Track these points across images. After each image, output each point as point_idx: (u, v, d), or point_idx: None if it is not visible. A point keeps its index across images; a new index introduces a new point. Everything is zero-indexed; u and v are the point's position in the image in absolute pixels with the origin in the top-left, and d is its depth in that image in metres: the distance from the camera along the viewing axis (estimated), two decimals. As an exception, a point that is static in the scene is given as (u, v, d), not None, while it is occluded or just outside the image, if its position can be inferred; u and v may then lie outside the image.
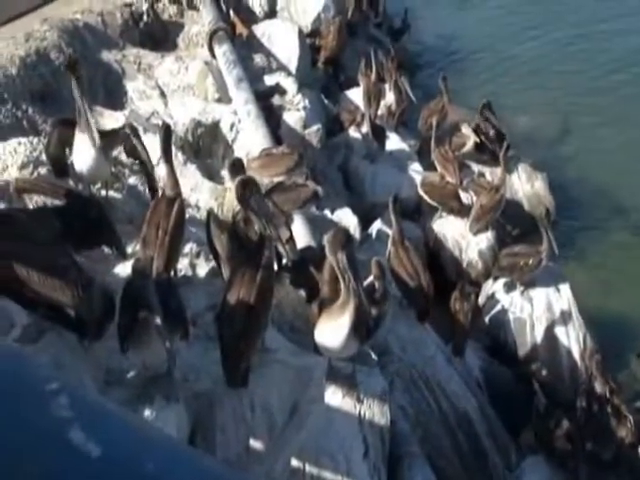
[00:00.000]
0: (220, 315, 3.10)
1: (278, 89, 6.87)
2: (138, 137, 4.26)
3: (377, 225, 6.14)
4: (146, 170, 4.41)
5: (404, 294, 4.69)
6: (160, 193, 3.97)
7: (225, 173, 5.88)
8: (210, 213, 3.82)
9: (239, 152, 6.11)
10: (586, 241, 7.16)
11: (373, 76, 7.92)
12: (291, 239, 3.87)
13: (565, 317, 5.54)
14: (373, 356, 3.95)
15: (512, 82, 10.47)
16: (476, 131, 7.25)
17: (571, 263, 6.56)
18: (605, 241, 7.16)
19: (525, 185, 7.24)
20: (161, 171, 4.24)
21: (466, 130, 7.25)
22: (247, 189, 3.21)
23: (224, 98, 6.58)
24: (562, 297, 5.63)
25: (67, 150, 4.16)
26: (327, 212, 5.89)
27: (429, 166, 7.06)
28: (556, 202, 7.24)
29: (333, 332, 3.06)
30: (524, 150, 7.90)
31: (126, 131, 4.25)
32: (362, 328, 3.15)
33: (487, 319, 5.81)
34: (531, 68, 10.80)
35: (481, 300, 5.89)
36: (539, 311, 5.59)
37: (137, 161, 4.49)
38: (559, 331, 5.50)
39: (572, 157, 8.54)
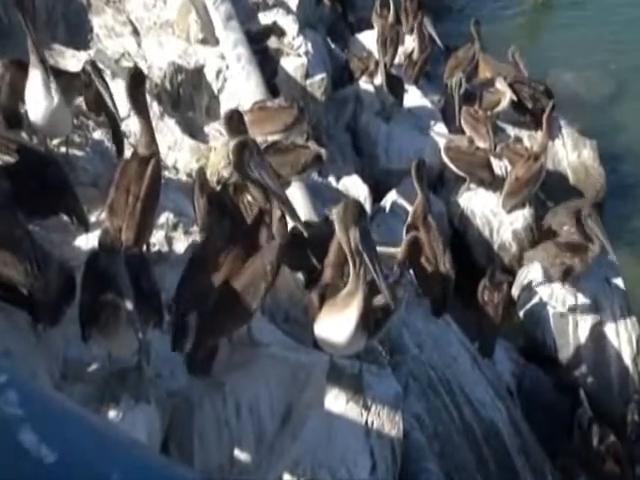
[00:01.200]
0: (187, 294, 3.11)
1: (275, 29, 6.81)
2: (101, 78, 4.20)
3: (392, 197, 6.13)
4: (112, 121, 4.36)
5: (418, 281, 4.68)
6: (132, 151, 3.94)
7: (209, 129, 5.86)
8: (199, 172, 3.80)
9: (226, 104, 6.06)
10: (642, 223, 7.14)
11: (390, 17, 7.86)
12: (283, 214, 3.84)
13: (615, 313, 5.55)
14: (384, 354, 3.95)
15: (557, 30, 10.38)
16: (513, 87, 7.18)
17: (623, 250, 6.53)
18: (665, 224, 7.14)
19: (570, 154, 7.22)
20: (133, 125, 4.21)
21: (501, 85, 7.19)
22: (246, 154, 3.19)
23: (209, 39, 6.51)
24: (612, 290, 5.63)
25: (21, 98, 4.12)
26: (331, 179, 5.88)
27: (456, 128, 7.02)
28: (607, 175, 7.21)
29: (337, 326, 3.05)
30: (570, 112, 7.84)
31: (87, 68, 4.18)
32: (372, 319, 3.14)
33: (522, 314, 5.82)
34: (581, 13, 10.71)
35: (515, 291, 5.88)
36: (584, 306, 5.59)
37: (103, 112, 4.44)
38: (608, 330, 5.51)
39: (627, 122, 8.49)
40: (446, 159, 6.59)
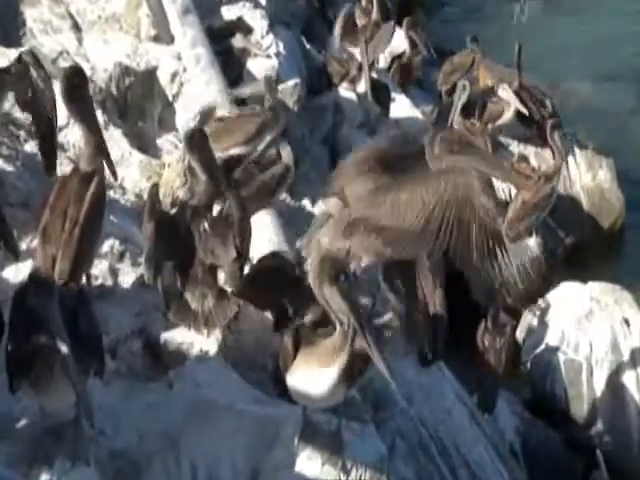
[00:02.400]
0: None
1: (241, 26, 6.86)
2: (42, 69, 4.14)
3: None
4: (45, 126, 4.30)
5: (404, 323, 4.67)
6: (72, 166, 3.94)
7: (163, 142, 5.87)
8: (151, 191, 3.81)
9: (183, 113, 6.09)
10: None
11: (375, 13, 7.93)
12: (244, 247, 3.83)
13: (636, 360, 5.58)
14: (367, 409, 3.96)
15: (572, 32, 10.57)
16: (519, 96, 7.25)
17: None
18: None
19: (584, 175, 7.30)
20: (72, 135, 4.21)
21: (505, 93, 7.25)
22: None
23: (163, 36, 6.55)
24: (633, 332, 5.67)
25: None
26: (306, 202, 5.88)
27: (451, 143, 7.09)
28: (626, 200, 7.29)
29: (316, 380, 3.07)
30: (584, 127, 7.94)
31: (24, 58, 4.13)
32: (356, 367, 3.17)
33: (528, 361, 5.83)
34: (601, 14, 10.91)
35: (520, 334, 5.90)
36: (600, 352, 5.62)
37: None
38: (628, 380, 5.53)
39: None
40: (440, 179, 6.63)
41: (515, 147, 7.37)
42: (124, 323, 3.80)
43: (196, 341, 3.83)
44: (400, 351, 4.55)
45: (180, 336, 3.83)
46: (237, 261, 3.82)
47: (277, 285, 4.02)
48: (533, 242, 6.50)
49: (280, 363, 3.23)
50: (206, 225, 3.76)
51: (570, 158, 7.21)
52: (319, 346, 3.09)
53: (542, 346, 5.80)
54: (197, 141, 3.89)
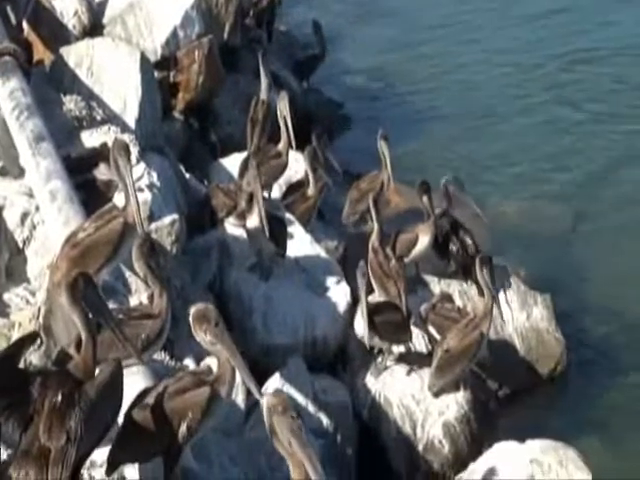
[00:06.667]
0: None
1: (105, 154, 6.87)
2: None
3: (274, 384, 6.15)
4: None
5: None
6: None
7: (11, 297, 5.82)
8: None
9: (36, 261, 6.13)
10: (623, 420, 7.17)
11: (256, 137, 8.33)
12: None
13: None
14: None
15: (491, 137, 11.15)
16: (436, 223, 7.48)
17: (588, 438, 6.72)
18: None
19: (517, 314, 7.49)
20: None
21: (421, 224, 7.52)
22: None
23: (10, 168, 6.70)
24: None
25: None
26: (189, 362, 5.88)
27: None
28: (567, 341, 7.45)
29: None
30: (514, 256, 8.35)
31: None
32: None
33: None
34: (521, 113, 11.61)
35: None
36: None
37: None
38: None
39: (590, 267, 8.89)
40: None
41: (436, 284, 7.58)
42: None
43: None
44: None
45: None
46: (65, 448, 3.73)
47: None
48: (461, 397, 6.64)
49: None
50: (58, 399, 3.77)
51: (500, 295, 7.15)
52: None
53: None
54: (82, 290, 3.88)
